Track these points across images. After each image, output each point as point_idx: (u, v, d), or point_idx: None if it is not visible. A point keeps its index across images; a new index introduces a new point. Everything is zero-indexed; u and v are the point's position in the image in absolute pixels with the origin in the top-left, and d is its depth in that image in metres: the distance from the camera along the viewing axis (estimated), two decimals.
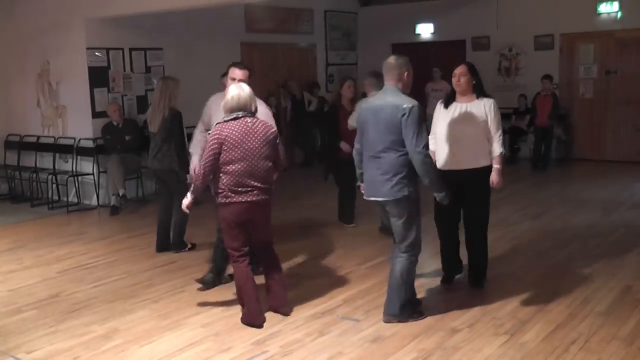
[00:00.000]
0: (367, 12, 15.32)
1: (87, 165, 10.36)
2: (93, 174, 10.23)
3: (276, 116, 12.92)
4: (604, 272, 6.36)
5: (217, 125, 5.25)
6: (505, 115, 12.63)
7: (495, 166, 5.72)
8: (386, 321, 5.29)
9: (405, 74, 5.23)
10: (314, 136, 13.90)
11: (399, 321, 5.25)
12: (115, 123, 10.11)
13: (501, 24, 13.54)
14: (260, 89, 12.90)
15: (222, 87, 6.25)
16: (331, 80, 14.74)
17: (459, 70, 5.74)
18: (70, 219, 9.69)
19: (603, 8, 12.53)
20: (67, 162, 10.63)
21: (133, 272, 6.87)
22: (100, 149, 10.20)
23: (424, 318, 5.32)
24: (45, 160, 10.87)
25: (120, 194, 9.75)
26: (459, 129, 5.69)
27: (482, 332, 5.05)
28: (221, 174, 5.19)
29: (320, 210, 9.51)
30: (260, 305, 5.38)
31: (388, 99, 5.16)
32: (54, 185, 10.51)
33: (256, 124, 5.24)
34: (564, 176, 12.07)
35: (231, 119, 5.19)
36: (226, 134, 5.13)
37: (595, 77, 12.96)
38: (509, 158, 13.05)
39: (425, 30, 14.67)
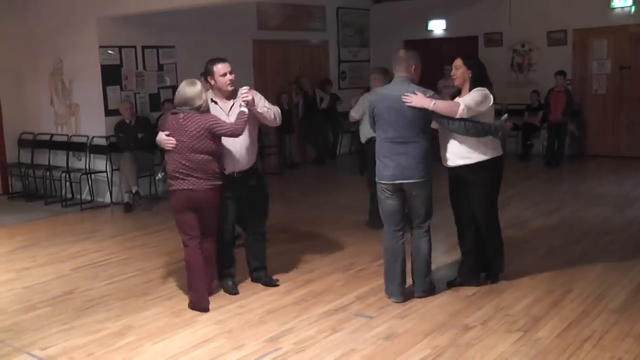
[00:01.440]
0: (380, 9, 15.28)
1: (100, 163, 10.40)
2: (106, 171, 10.28)
3: (288, 113, 13.11)
4: (618, 269, 6.33)
5: (167, 114, 5.79)
6: (518, 112, 12.66)
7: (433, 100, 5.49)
8: (421, 296, 5.71)
9: (413, 67, 5.51)
10: (325, 133, 13.91)
11: (431, 294, 5.75)
12: (127, 121, 10.14)
13: (514, 19, 13.48)
14: (272, 86, 13.00)
15: (206, 87, 6.24)
16: (343, 77, 14.72)
17: (454, 63, 5.69)
18: (84, 217, 9.74)
19: (617, 3, 12.43)
20: (80, 160, 10.68)
21: (146, 270, 6.90)
22: (113, 147, 10.24)
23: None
24: (59, 158, 10.93)
25: (134, 191, 9.79)
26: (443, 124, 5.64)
27: (496, 329, 5.04)
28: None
29: (332, 207, 9.51)
30: (205, 289, 5.73)
31: (399, 88, 5.47)
32: (68, 183, 10.55)
33: (187, 119, 5.53)
34: (577, 172, 12.01)
35: (173, 112, 5.65)
36: (166, 125, 5.65)
37: (609, 72, 12.88)
38: (522, 154, 13.03)
39: (437, 27, 14.62)
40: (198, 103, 5.56)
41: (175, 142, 5.56)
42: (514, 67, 13.75)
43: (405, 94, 5.40)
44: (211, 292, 5.90)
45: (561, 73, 12.34)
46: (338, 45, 14.65)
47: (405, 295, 5.70)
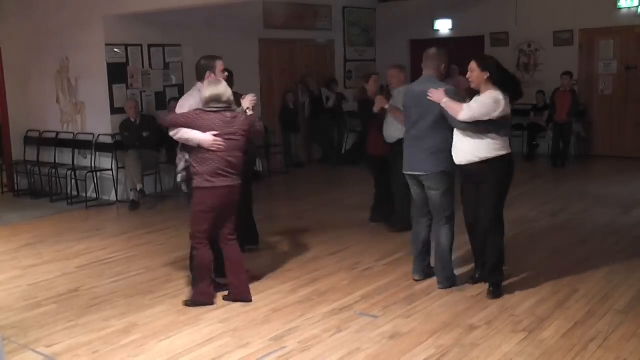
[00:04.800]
0: (386, 8, 15.28)
1: (105, 161, 10.42)
2: (112, 169, 10.30)
3: (294, 112, 13.11)
4: (623, 269, 6.32)
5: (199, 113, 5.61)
6: (523, 112, 12.63)
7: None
8: (444, 287, 5.90)
9: (443, 66, 5.79)
10: (331, 133, 13.91)
11: (450, 286, 5.91)
12: (132, 119, 10.15)
13: (520, 19, 13.47)
14: (278, 85, 13.01)
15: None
16: (349, 76, 14.72)
17: (469, 66, 5.62)
18: (89, 215, 9.76)
19: (623, 3, 12.41)
20: (86, 158, 10.70)
21: (152, 268, 6.91)
22: (118, 145, 10.26)
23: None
24: (65, 156, 10.94)
25: (139, 189, 9.80)
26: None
27: (501, 329, 5.04)
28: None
29: (338, 207, 9.51)
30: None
31: (427, 86, 5.70)
32: (73, 181, 10.58)
33: (236, 118, 5.64)
34: (583, 173, 11.99)
35: (209, 111, 5.58)
36: (208, 124, 5.55)
37: (615, 73, 12.85)
38: (528, 155, 13.00)
39: (443, 26, 14.62)
40: (230, 98, 5.61)
41: (223, 143, 5.52)
42: (520, 67, 13.72)
43: (430, 90, 5.63)
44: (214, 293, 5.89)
45: (567, 73, 12.30)
46: (344, 44, 14.65)
47: (425, 274, 6.14)
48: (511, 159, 5.67)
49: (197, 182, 5.56)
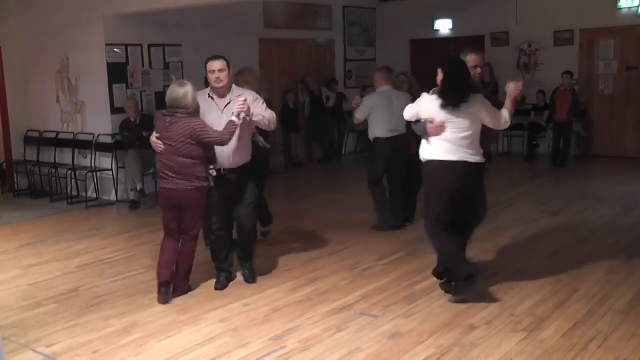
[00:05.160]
0: (386, 8, 15.28)
1: (106, 161, 10.42)
2: (112, 169, 10.30)
3: (294, 112, 13.11)
4: (623, 269, 6.32)
5: (158, 114, 5.90)
6: (524, 112, 12.64)
7: None
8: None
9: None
10: (331, 132, 13.92)
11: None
12: (132, 119, 10.14)
13: (520, 19, 13.47)
14: (278, 85, 13.00)
15: (205, 85, 6.27)
16: (349, 76, 14.72)
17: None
18: (89, 214, 9.76)
19: (624, 3, 12.42)
20: (86, 157, 10.70)
21: (152, 267, 6.87)
22: (119, 145, 10.25)
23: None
24: (65, 156, 10.94)
25: (139, 189, 9.81)
26: None
27: (501, 329, 5.04)
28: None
29: (338, 206, 9.51)
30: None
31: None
32: (73, 181, 10.58)
33: (173, 123, 5.68)
34: (583, 173, 11.99)
35: (162, 114, 5.82)
36: (156, 126, 5.88)
37: (616, 73, 12.86)
38: (528, 154, 13.01)
39: (444, 26, 14.62)
40: (185, 104, 5.61)
41: (163, 145, 5.67)
42: (520, 67, 13.74)
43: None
44: (183, 292, 5.99)
45: (568, 73, 12.31)
46: (344, 44, 14.65)
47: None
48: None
49: None
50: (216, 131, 5.67)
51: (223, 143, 5.68)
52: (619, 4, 12.46)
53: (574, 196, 9.72)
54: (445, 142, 5.48)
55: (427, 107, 5.57)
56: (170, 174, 5.69)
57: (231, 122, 5.67)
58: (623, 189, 10.12)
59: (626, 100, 12.80)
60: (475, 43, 13.68)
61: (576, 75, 12.76)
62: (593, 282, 5.97)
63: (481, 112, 5.50)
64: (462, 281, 5.50)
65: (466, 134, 5.45)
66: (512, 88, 5.58)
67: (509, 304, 5.52)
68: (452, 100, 5.42)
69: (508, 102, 5.59)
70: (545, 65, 13.40)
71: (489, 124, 5.56)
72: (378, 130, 7.70)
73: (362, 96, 8.55)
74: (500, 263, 6.64)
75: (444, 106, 5.44)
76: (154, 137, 5.77)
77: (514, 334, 4.93)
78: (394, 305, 5.58)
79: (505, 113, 5.58)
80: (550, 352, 4.62)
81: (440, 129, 5.46)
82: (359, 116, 7.86)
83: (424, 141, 5.66)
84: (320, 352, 4.76)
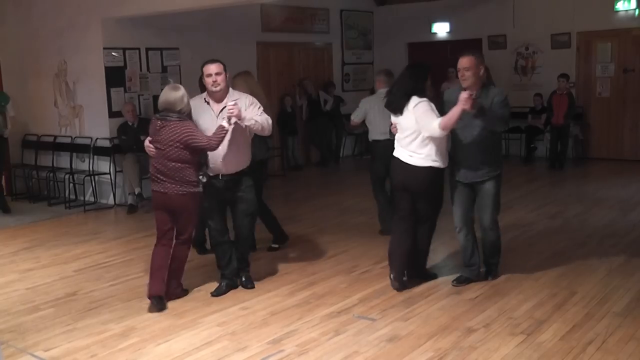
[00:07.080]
0: (383, 11, 15.28)
1: (103, 165, 10.42)
2: (110, 173, 10.29)
3: (292, 115, 13.11)
4: (621, 272, 6.32)
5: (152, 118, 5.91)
6: (521, 114, 12.65)
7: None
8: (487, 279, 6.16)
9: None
10: (329, 136, 13.92)
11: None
12: (130, 123, 10.14)
13: (518, 22, 13.48)
14: (276, 88, 13.01)
15: (200, 87, 6.26)
16: (347, 79, 14.72)
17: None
18: (87, 218, 9.75)
19: (621, 6, 12.42)
20: (84, 161, 10.69)
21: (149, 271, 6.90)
22: (116, 149, 10.24)
23: None
24: (63, 160, 10.93)
25: (137, 193, 9.80)
26: None
27: (499, 332, 5.04)
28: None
29: (336, 210, 9.50)
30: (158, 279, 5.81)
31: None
32: (71, 185, 10.57)
33: (164, 127, 5.68)
34: (580, 175, 11.99)
35: (155, 118, 5.85)
36: (149, 130, 5.93)
37: (613, 75, 12.87)
38: (526, 157, 13.02)
39: (441, 29, 14.62)
40: (178, 107, 5.61)
41: (154, 149, 5.70)
42: (517, 70, 13.75)
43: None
44: (175, 296, 5.97)
45: (564, 76, 12.32)
46: (342, 47, 14.66)
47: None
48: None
49: None
50: (205, 136, 5.65)
51: (211, 148, 5.65)
52: (616, 7, 12.47)
53: (572, 199, 9.73)
54: (396, 141, 5.98)
55: None
56: (161, 177, 5.70)
57: (220, 126, 5.63)
58: (620, 191, 10.13)
59: (623, 103, 12.81)
60: (472, 46, 13.76)
61: (573, 78, 12.79)
62: (591, 285, 5.98)
63: (416, 115, 5.70)
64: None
65: (406, 133, 5.80)
66: (462, 97, 5.47)
67: (507, 307, 5.52)
68: (390, 104, 5.95)
69: (453, 110, 5.52)
70: (543, 68, 13.41)
71: (420, 128, 5.69)
72: (375, 132, 7.71)
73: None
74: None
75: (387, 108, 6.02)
76: (147, 141, 5.80)
77: (512, 337, 4.93)
78: (391, 309, 5.57)
79: (437, 121, 5.58)
80: (548, 355, 4.62)
81: (394, 129, 6.00)
82: (354, 118, 7.94)
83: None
84: (319, 355, 4.75)
